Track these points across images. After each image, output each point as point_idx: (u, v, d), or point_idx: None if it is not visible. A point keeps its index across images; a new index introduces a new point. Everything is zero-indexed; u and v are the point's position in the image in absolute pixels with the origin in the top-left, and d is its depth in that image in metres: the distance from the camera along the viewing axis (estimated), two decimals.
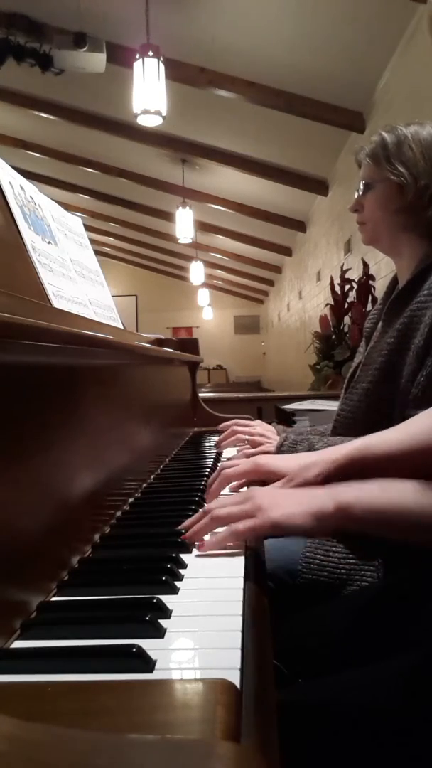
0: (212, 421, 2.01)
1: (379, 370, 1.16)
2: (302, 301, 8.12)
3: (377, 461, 0.87)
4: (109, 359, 1.01)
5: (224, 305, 14.38)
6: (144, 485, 1.13)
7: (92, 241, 1.44)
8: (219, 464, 1.18)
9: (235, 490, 1.01)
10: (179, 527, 0.79)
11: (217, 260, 10.81)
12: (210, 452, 1.48)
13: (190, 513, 0.88)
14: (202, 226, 8.24)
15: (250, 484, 1.02)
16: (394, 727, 0.69)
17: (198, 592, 0.63)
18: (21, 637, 0.53)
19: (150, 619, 0.53)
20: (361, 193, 1.27)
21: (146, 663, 0.46)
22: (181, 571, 0.67)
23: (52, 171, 7.51)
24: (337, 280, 4.36)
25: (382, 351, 1.17)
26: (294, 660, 0.85)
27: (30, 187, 1.11)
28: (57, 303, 0.97)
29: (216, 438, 1.65)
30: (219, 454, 1.43)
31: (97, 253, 1.46)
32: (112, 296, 1.43)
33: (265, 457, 0.96)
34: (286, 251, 8.77)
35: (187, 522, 0.79)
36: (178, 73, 4.21)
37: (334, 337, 4.20)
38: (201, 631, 0.54)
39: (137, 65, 3.62)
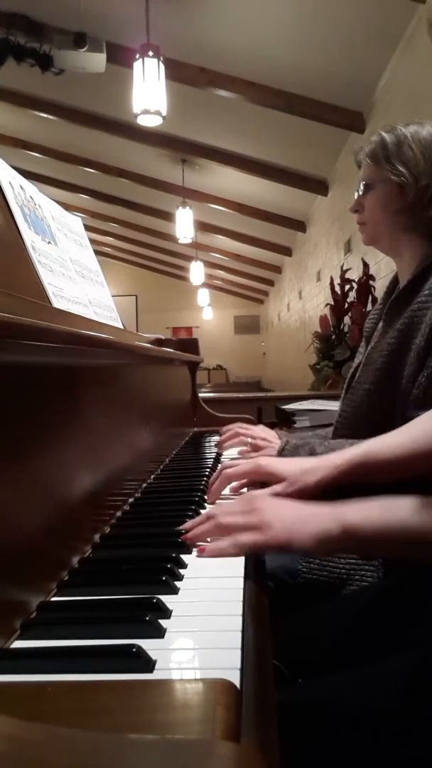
0: (212, 421, 2.01)
1: (380, 371, 1.16)
2: (302, 301, 8.12)
3: (379, 466, 0.87)
4: (109, 359, 1.01)
5: (224, 305, 14.38)
6: (144, 485, 1.13)
7: (92, 241, 1.44)
8: (220, 464, 1.18)
9: (236, 490, 1.01)
10: (181, 528, 0.79)
11: (217, 260, 10.81)
12: (210, 452, 1.48)
13: (190, 513, 0.88)
14: (202, 226, 8.24)
15: (250, 485, 1.02)
16: (394, 727, 0.69)
17: (198, 592, 0.63)
18: (21, 637, 0.53)
19: (150, 619, 0.53)
20: (361, 193, 1.27)
21: (146, 663, 0.46)
22: (181, 571, 0.67)
23: (52, 171, 7.51)
24: (337, 280, 4.36)
25: (382, 351, 1.17)
26: (294, 660, 0.85)
27: (30, 187, 1.11)
28: (57, 303, 0.97)
29: (216, 438, 1.65)
30: (219, 455, 1.43)
31: (97, 253, 1.46)
32: (112, 296, 1.43)
33: (266, 459, 0.96)
34: (286, 251, 8.77)
35: (190, 523, 0.79)
36: (178, 73, 4.21)
37: (334, 337, 4.20)
38: (201, 631, 0.54)
39: (137, 65, 3.62)
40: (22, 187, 1.06)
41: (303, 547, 0.70)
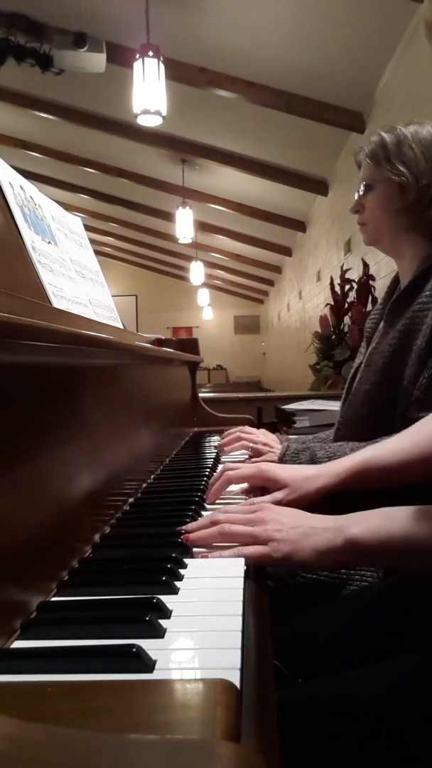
0: (212, 421, 2.01)
1: (381, 372, 1.16)
2: (302, 301, 8.12)
3: (380, 472, 0.87)
4: (109, 359, 1.01)
5: (224, 305, 14.38)
6: (144, 485, 1.13)
7: (92, 241, 1.44)
8: (221, 465, 1.18)
9: (236, 493, 1.02)
10: (183, 528, 0.79)
11: (217, 260, 10.81)
12: (210, 452, 1.48)
13: (191, 513, 0.88)
14: (202, 226, 8.24)
15: (251, 489, 1.02)
16: (394, 727, 0.69)
17: (198, 592, 0.63)
18: (21, 637, 0.53)
19: (150, 619, 0.53)
20: (361, 193, 1.27)
21: (146, 663, 0.46)
22: (181, 571, 0.67)
23: (52, 171, 7.51)
24: (337, 280, 4.36)
25: (383, 352, 1.17)
26: (294, 660, 0.85)
27: (30, 187, 1.11)
28: (57, 303, 0.97)
29: (216, 438, 1.65)
30: (219, 455, 1.43)
31: (97, 253, 1.46)
32: (112, 296, 1.43)
33: (268, 465, 0.97)
34: (286, 251, 8.77)
35: (192, 525, 0.79)
36: (178, 73, 4.21)
37: (334, 337, 4.20)
38: (201, 631, 0.54)
39: (137, 65, 3.62)
40: (22, 187, 1.06)
41: (304, 562, 0.71)
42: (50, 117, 5.69)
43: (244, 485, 1.03)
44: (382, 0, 3.38)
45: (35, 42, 4.22)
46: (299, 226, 7.37)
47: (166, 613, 0.56)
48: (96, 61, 4.04)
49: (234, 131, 5.33)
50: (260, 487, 0.99)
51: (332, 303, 4.35)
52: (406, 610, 0.89)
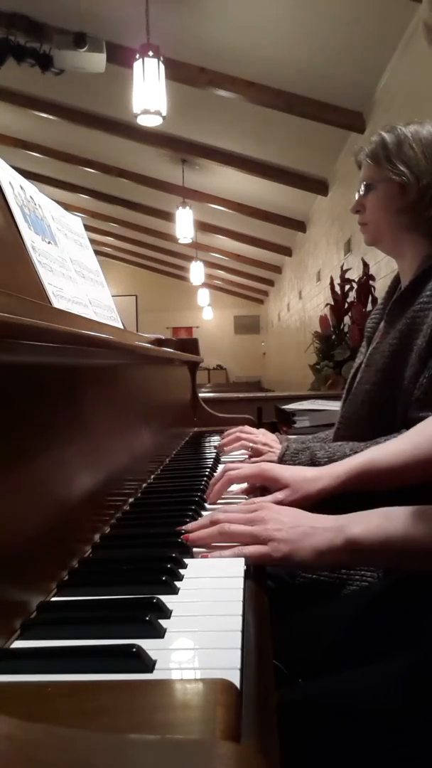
0: (212, 421, 2.01)
1: (381, 372, 1.16)
2: (302, 301, 8.12)
3: (381, 474, 0.87)
4: (109, 359, 1.01)
5: (224, 305, 14.38)
6: (144, 485, 1.13)
7: (92, 241, 1.44)
8: (222, 465, 1.18)
9: (238, 493, 1.02)
10: (183, 528, 0.79)
11: (217, 260, 10.81)
12: (210, 452, 1.48)
13: (190, 513, 0.88)
14: (202, 226, 8.24)
15: (251, 489, 1.02)
16: (394, 727, 0.69)
17: (198, 592, 0.63)
18: (21, 637, 0.53)
19: (150, 619, 0.53)
20: (362, 193, 1.27)
21: (146, 663, 0.46)
22: (181, 571, 0.67)
23: (52, 171, 7.51)
24: (337, 280, 4.36)
25: (384, 352, 1.17)
26: (294, 660, 0.85)
27: (30, 187, 1.11)
28: (57, 303, 0.97)
29: (216, 438, 1.65)
30: (219, 455, 1.43)
31: (97, 253, 1.46)
32: (112, 296, 1.43)
33: (270, 464, 0.97)
34: (286, 251, 8.77)
35: (192, 525, 0.79)
36: (178, 73, 4.21)
37: (334, 337, 4.20)
38: (201, 631, 0.54)
39: (137, 65, 3.62)
40: (22, 187, 1.06)
41: (304, 561, 0.71)
42: (50, 117, 5.69)
43: (245, 485, 1.03)
44: (382, 0, 3.38)
45: (35, 42, 4.22)
46: (299, 226, 7.37)
47: (166, 613, 0.56)
48: (96, 61, 4.04)
49: (234, 131, 5.33)
50: (261, 487, 0.99)
51: (332, 303, 4.35)
52: (406, 610, 0.89)
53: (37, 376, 0.67)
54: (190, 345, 2.12)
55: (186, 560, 0.70)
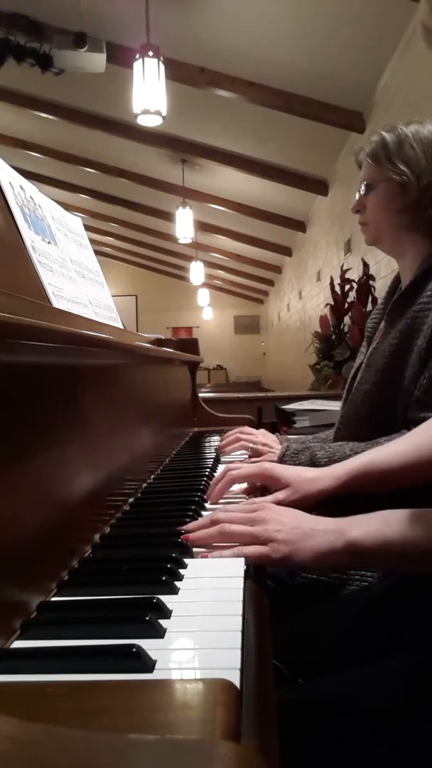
0: (212, 421, 2.01)
1: (382, 372, 1.16)
2: (302, 301, 8.12)
3: (381, 475, 0.87)
4: (109, 359, 1.01)
5: (224, 305, 14.38)
6: (144, 485, 1.13)
7: (92, 241, 1.44)
8: (223, 465, 1.18)
9: (239, 492, 1.02)
10: (183, 528, 0.79)
11: (217, 260, 10.81)
12: (210, 452, 1.48)
13: (191, 513, 0.88)
14: (202, 226, 8.24)
15: (252, 489, 1.02)
16: (394, 727, 0.69)
17: (198, 592, 0.63)
18: (21, 637, 0.53)
19: (150, 619, 0.53)
20: (362, 193, 1.27)
21: (146, 663, 0.46)
22: (181, 571, 0.67)
23: (52, 171, 7.51)
24: (337, 280, 4.36)
25: (384, 352, 1.17)
26: (294, 660, 0.85)
27: (30, 187, 1.11)
28: (57, 303, 0.96)
29: (216, 438, 1.65)
30: (219, 455, 1.43)
31: (97, 253, 1.46)
32: (112, 296, 1.43)
33: (271, 464, 0.97)
34: (286, 251, 8.77)
35: (192, 525, 0.79)
36: (178, 73, 4.21)
37: (334, 337, 4.20)
38: (201, 631, 0.54)
39: (137, 65, 3.62)
40: (22, 187, 1.06)
41: (303, 563, 0.71)
42: (50, 117, 5.69)
43: (245, 485, 1.03)
44: (381, 0, 3.38)
45: (35, 42, 4.22)
46: (299, 226, 7.37)
47: (166, 613, 0.56)
48: (96, 61, 4.04)
49: (234, 131, 5.33)
50: (261, 487, 0.99)
51: (332, 303, 4.35)
52: (406, 610, 0.89)
53: (37, 376, 0.67)
54: (190, 345, 2.12)
55: (186, 560, 0.70)
